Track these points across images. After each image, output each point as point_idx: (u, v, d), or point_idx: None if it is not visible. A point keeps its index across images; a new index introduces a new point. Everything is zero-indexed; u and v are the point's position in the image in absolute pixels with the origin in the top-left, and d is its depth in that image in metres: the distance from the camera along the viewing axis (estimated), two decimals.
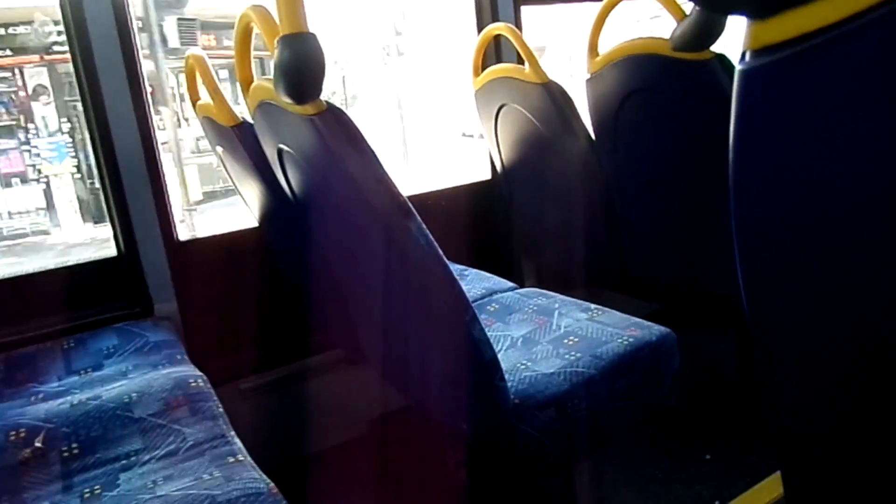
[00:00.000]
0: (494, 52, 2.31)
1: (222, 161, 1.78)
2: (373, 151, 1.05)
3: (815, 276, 0.44)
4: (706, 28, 1.50)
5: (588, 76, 1.90)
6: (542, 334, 1.51)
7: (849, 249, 0.41)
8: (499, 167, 2.30)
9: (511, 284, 1.90)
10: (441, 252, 1.08)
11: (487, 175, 2.45)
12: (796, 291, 0.45)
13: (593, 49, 1.88)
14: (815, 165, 0.39)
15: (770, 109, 0.40)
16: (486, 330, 1.16)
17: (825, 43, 0.35)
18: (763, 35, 0.38)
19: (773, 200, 0.43)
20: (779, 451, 0.56)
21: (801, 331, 0.48)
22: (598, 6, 1.88)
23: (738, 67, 0.41)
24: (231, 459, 1.13)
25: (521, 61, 2.16)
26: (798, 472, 0.55)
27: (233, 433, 1.23)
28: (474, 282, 1.93)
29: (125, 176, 1.75)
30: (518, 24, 2.25)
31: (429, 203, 2.28)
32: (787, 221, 0.43)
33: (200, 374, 1.43)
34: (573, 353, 1.38)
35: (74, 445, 1.21)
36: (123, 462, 1.16)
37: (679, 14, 1.57)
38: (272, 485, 1.02)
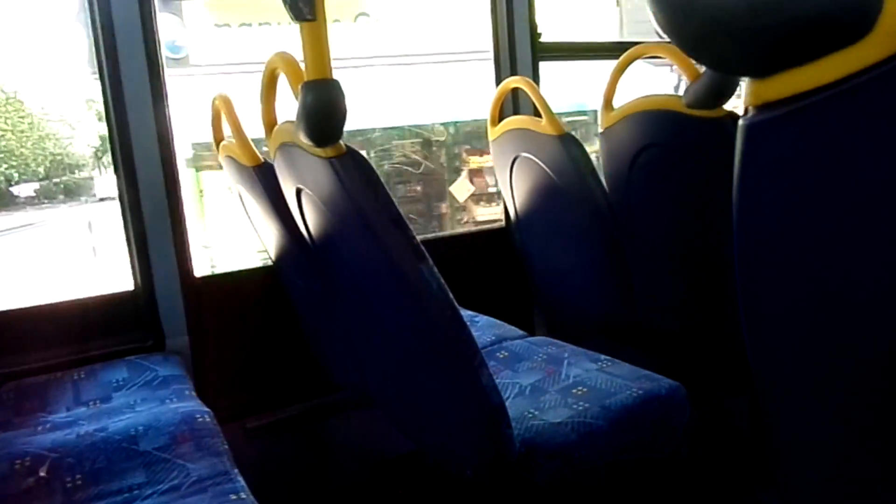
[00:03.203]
0: (512, 103, 2.36)
1: (241, 200, 1.81)
2: (388, 194, 1.07)
3: (821, 335, 0.44)
4: (719, 87, 1.53)
5: (602, 130, 1.93)
6: (550, 383, 1.51)
7: (853, 308, 0.41)
8: (513, 216, 2.32)
9: (521, 332, 1.90)
10: (452, 296, 1.09)
11: (502, 223, 2.47)
12: (800, 351, 0.46)
13: (608, 104, 1.92)
14: (816, 219, 0.40)
15: (771, 163, 0.42)
16: (495, 377, 1.16)
17: (824, 100, 0.37)
18: (763, 92, 0.40)
19: (777, 251, 0.44)
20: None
21: (807, 397, 0.48)
22: (614, 63, 1.93)
23: (740, 122, 0.42)
24: (233, 497, 1.12)
25: (538, 114, 2.21)
26: None
27: (236, 471, 1.22)
28: (485, 328, 1.93)
29: (146, 211, 1.79)
30: (536, 78, 2.31)
31: (442, 248, 2.30)
32: (791, 277, 0.44)
33: (207, 409, 1.43)
34: (581, 403, 1.37)
35: (78, 476, 1.21)
36: (126, 495, 1.15)
37: (692, 73, 1.61)
38: None
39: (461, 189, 7.59)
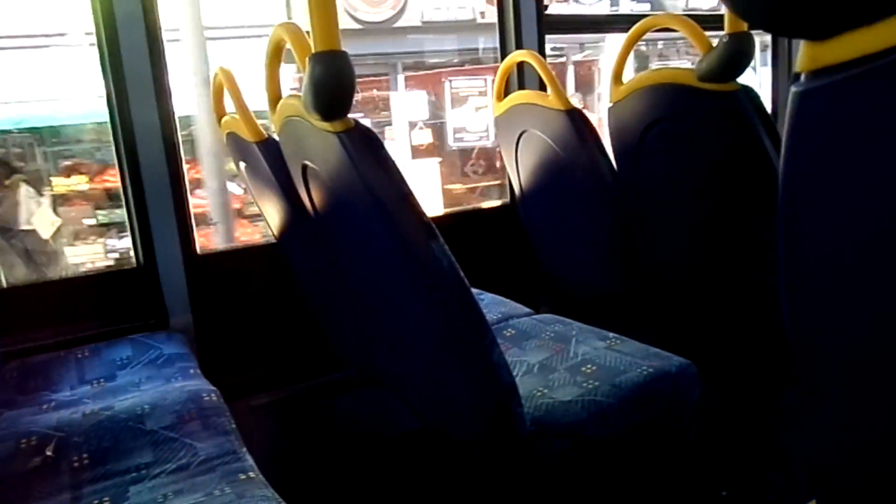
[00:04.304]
0: (517, 78, 2.32)
1: (245, 177, 1.79)
2: (398, 170, 1.05)
3: (867, 312, 0.42)
4: (733, 60, 1.50)
5: (611, 104, 1.90)
6: (559, 361, 1.50)
7: None
8: (518, 192, 2.30)
9: (527, 310, 1.88)
10: (462, 274, 1.07)
11: (507, 199, 2.44)
12: (845, 328, 0.44)
13: (617, 77, 1.88)
14: (874, 193, 0.38)
15: (827, 132, 0.39)
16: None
17: (887, 65, 0.34)
18: (821, 56, 0.37)
19: (824, 227, 0.42)
20: (816, 484, 0.54)
21: (850, 371, 0.46)
22: (623, 36, 1.89)
23: (792, 89, 0.40)
24: (242, 476, 1.11)
25: (543, 88, 2.17)
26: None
27: (244, 450, 1.21)
28: (491, 306, 1.92)
29: (148, 188, 1.76)
30: (542, 52, 2.27)
31: (446, 225, 2.28)
32: (840, 251, 0.41)
33: (214, 388, 1.42)
34: (591, 381, 1.36)
35: (85, 456, 1.20)
36: (133, 475, 1.14)
37: (705, 46, 1.57)
38: None
39: (43, 221, 5.06)
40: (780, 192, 0.42)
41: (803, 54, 0.38)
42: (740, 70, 1.51)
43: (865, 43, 0.35)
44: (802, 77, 0.39)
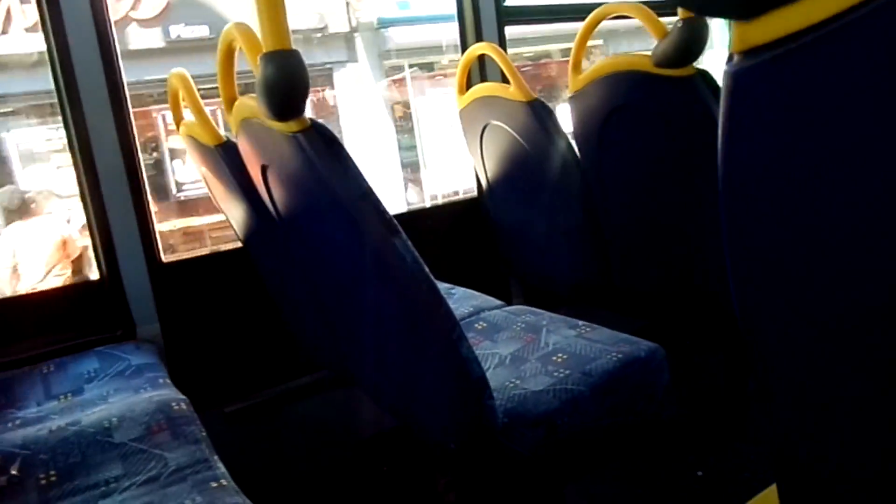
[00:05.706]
0: (479, 71, 2.32)
1: (206, 181, 1.76)
2: (357, 168, 1.04)
3: (810, 287, 0.43)
4: (688, 44, 1.51)
5: (571, 94, 1.91)
6: (530, 352, 1.50)
7: (846, 258, 0.40)
8: (484, 185, 2.30)
9: (499, 302, 1.89)
10: (427, 269, 1.07)
11: (474, 193, 2.45)
12: (790, 305, 0.45)
13: (576, 67, 1.89)
14: (808, 167, 0.39)
15: (759, 111, 0.40)
16: (474, 349, 1.15)
17: (813, 42, 0.34)
18: (748, 36, 0.37)
19: (764, 205, 0.42)
20: (775, 467, 0.55)
21: (796, 348, 0.47)
22: (580, 25, 1.90)
23: (724, 69, 0.40)
24: (214, 484, 1.10)
25: (505, 80, 2.18)
26: (795, 488, 0.54)
27: (216, 457, 1.20)
28: (462, 300, 1.92)
29: (107, 197, 1.73)
30: (502, 43, 2.27)
31: (415, 221, 2.28)
32: (780, 229, 0.42)
33: (183, 397, 1.40)
34: (562, 370, 1.37)
35: (52, 472, 1.18)
36: (103, 489, 1.13)
37: (660, 32, 1.59)
38: None
39: None
40: (720, 180, 0.43)
41: (734, 35, 0.38)
42: (695, 55, 1.53)
43: (790, 21, 0.35)
44: (735, 58, 0.39)
